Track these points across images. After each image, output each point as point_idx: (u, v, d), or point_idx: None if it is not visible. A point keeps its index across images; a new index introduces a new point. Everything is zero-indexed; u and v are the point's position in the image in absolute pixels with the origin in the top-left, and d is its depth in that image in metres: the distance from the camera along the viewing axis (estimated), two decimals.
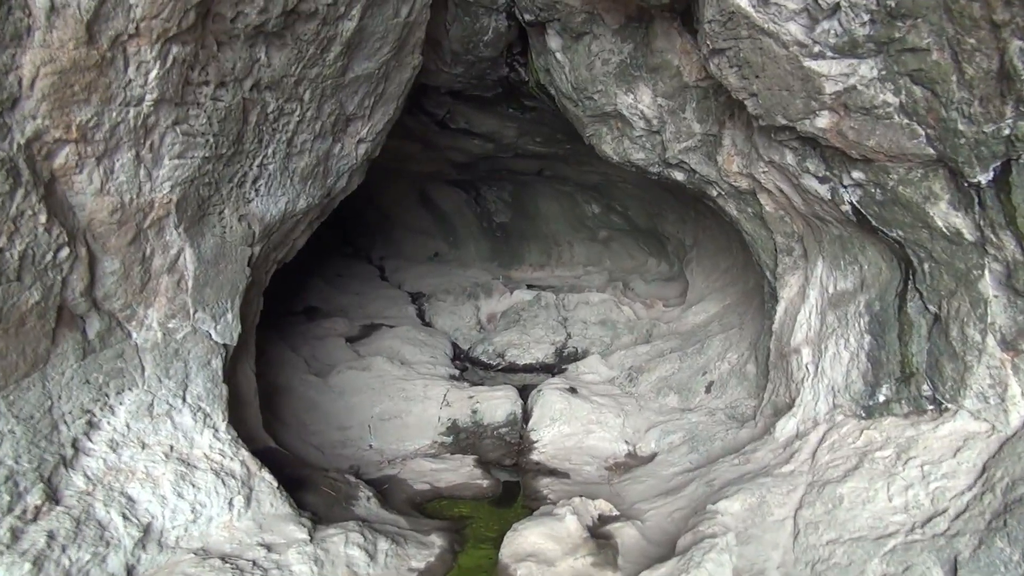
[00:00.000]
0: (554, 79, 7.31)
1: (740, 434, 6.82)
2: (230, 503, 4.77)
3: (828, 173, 5.16)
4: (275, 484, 5.08)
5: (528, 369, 10.31)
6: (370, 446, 7.96)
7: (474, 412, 8.28)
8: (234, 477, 4.86)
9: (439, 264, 16.45)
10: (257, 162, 5.55)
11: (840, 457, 5.19)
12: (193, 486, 4.59)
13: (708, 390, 7.95)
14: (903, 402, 5.13)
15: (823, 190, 5.32)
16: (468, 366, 10.62)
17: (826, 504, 4.82)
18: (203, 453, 4.82)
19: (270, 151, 5.64)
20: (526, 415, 8.26)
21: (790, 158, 5.44)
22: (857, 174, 4.84)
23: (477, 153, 12.08)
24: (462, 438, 8.08)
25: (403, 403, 8.45)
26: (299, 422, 8.03)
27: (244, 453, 5.06)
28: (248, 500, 4.89)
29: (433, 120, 10.69)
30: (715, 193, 7.01)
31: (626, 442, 7.59)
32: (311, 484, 5.91)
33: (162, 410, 4.77)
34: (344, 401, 8.53)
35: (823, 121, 4.66)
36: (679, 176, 7.12)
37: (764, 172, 6.03)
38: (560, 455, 7.48)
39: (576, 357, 10.39)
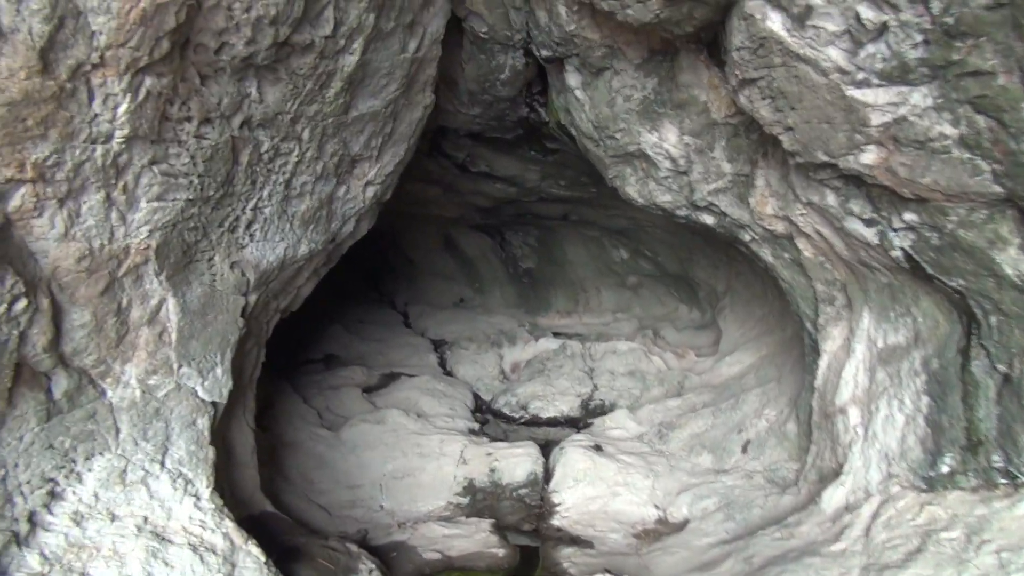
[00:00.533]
0: (574, 118, 6.85)
1: (781, 501, 6.15)
2: None
3: (875, 215, 4.59)
4: (262, 559, 4.53)
5: (552, 423, 9.71)
6: (381, 507, 7.40)
7: (492, 471, 7.69)
8: (215, 552, 4.33)
9: (463, 310, 15.97)
10: (251, 205, 5.12)
11: (899, 536, 4.52)
12: (166, 564, 4.06)
13: (744, 450, 7.29)
14: (970, 474, 4.47)
15: (869, 234, 4.74)
16: (490, 418, 10.05)
17: None
18: (181, 525, 4.31)
19: (265, 193, 5.21)
20: (548, 474, 7.65)
21: (831, 199, 4.88)
22: (910, 216, 4.26)
23: (500, 197, 11.65)
24: (479, 499, 7.48)
25: (418, 460, 7.90)
26: (305, 480, 7.51)
27: (228, 524, 4.53)
28: None
29: (453, 163, 10.31)
30: (748, 238, 6.45)
31: (656, 506, 6.94)
32: (306, 556, 5.37)
33: (136, 477, 4.27)
34: (356, 457, 8.00)
35: (869, 157, 4.11)
36: (708, 220, 6.58)
37: (802, 215, 5.47)
38: (584, 520, 6.85)
39: (603, 410, 9.77)
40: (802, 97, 4.27)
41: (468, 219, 14.08)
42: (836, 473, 5.58)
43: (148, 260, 4.34)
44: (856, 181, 4.52)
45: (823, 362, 6.14)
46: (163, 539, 4.19)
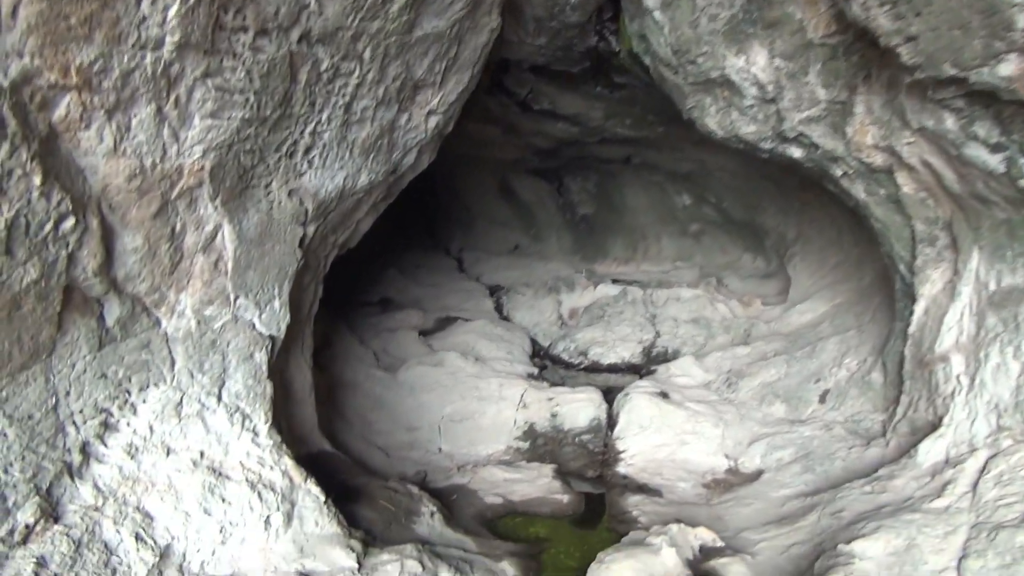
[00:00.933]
0: (650, 44, 6.32)
1: (867, 454, 5.72)
2: (267, 521, 4.03)
3: (1004, 139, 4.05)
4: (322, 498, 4.32)
5: (613, 369, 9.36)
6: (439, 449, 7.18)
7: (553, 416, 7.39)
8: (273, 490, 4.11)
9: (519, 257, 15.62)
10: (309, 129, 4.77)
11: (1014, 494, 4.08)
12: (223, 500, 3.86)
13: (823, 400, 6.84)
14: None
15: (994, 161, 4.21)
16: (548, 364, 9.73)
17: (1002, 556, 3.74)
18: (239, 461, 4.09)
19: (324, 117, 4.85)
20: (611, 421, 7.32)
21: (950, 122, 4.33)
22: None
23: (561, 138, 11.16)
24: (539, 444, 7.21)
25: (476, 403, 7.65)
26: (364, 421, 7.32)
27: (287, 462, 4.30)
28: (289, 517, 4.14)
29: (514, 101, 9.85)
30: (839, 173, 5.91)
31: (726, 456, 6.57)
32: (368, 496, 5.16)
33: (192, 410, 4.05)
34: (414, 399, 7.78)
35: (1010, 67, 3.57)
36: (796, 153, 6.05)
37: (909, 143, 4.93)
38: (650, 468, 6.52)
39: (666, 358, 9.37)
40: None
41: (526, 162, 13.63)
42: (934, 426, 5.12)
43: (203, 183, 4.04)
44: (984, 100, 3.98)
45: (919, 307, 5.64)
46: (220, 475, 3.98)
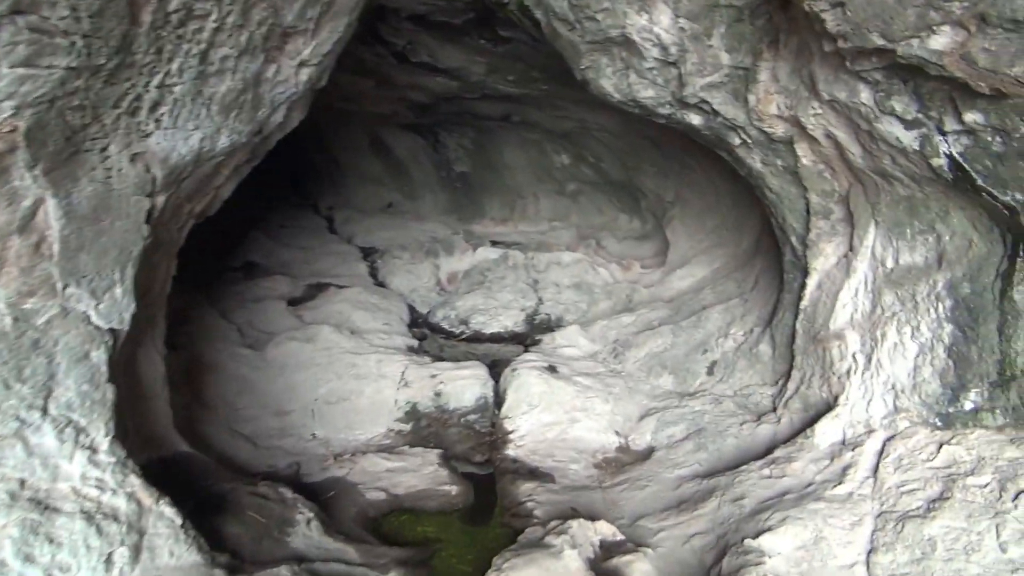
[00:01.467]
0: None
1: (759, 430, 5.61)
2: (108, 560, 3.32)
3: (922, 115, 3.84)
4: (178, 521, 3.65)
5: (496, 339, 8.98)
6: (314, 435, 6.56)
7: (437, 394, 6.92)
8: (116, 519, 3.41)
9: (393, 216, 14.88)
10: (156, 81, 3.94)
11: (915, 480, 3.99)
12: (51, 541, 3.13)
13: (711, 372, 6.73)
14: (998, 412, 3.95)
15: (908, 138, 4.01)
16: (427, 333, 9.21)
17: (912, 550, 3.62)
18: (71, 488, 3.35)
19: (175, 67, 4.03)
20: (499, 398, 6.94)
21: (865, 95, 4.10)
22: (972, 116, 3.52)
23: (439, 92, 10.49)
24: (423, 426, 6.73)
25: (354, 382, 7.05)
26: (228, 407, 6.57)
27: (134, 481, 3.59)
28: (137, 551, 3.46)
29: (391, 52, 9.08)
30: (737, 141, 5.67)
31: (617, 432, 6.35)
32: (234, 506, 4.51)
33: (8, 430, 3.26)
34: (284, 379, 7.09)
35: (942, 41, 3.32)
36: (695, 119, 5.75)
37: (816, 114, 4.70)
38: (541, 450, 6.20)
39: (550, 325, 9.09)
40: None
41: (400, 117, 12.85)
42: (829, 405, 5.04)
43: (16, 148, 3.20)
44: (905, 74, 3.75)
45: (812, 281, 5.53)
46: (47, 508, 3.23)
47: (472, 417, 6.76)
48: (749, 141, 5.52)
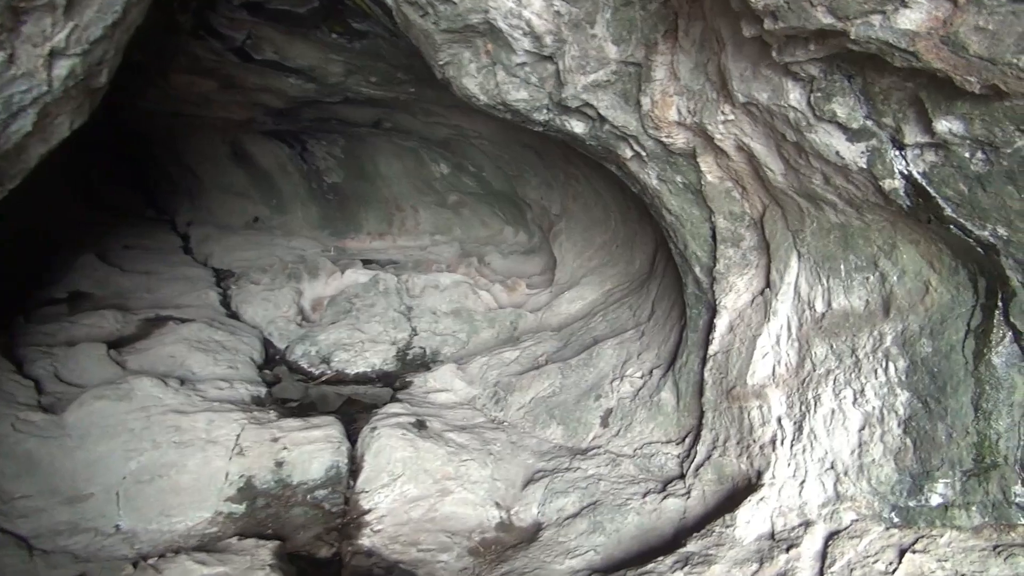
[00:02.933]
0: None
1: (665, 505, 4.52)
2: None
3: (873, 124, 2.81)
4: None
5: (362, 380, 7.60)
6: (117, 528, 5.05)
7: (279, 464, 5.53)
8: None
9: (258, 232, 13.24)
10: None
11: None
12: None
13: (605, 422, 5.64)
14: (974, 509, 2.97)
15: (852, 152, 2.98)
16: (283, 374, 7.74)
17: None
18: None
19: None
20: (355, 466, 5.61)
21: (795, 96, 3.04)
22: (948, 125, 2.50)
23: (295, 96, 9.06)
24: (260, 507, 5.32)
25: (175, 452, 5.56)
26: None
27: None
28: None
29: (229, 48, 7.60)
30: (629, 153, 4.57)
31: (497, 504, 5.16)
32: None
33: None
34: (84, 453, 5.51)
35: (915, 17, 2.27)
36: (578, 127, 4.62)
37: (726, 121, 3.64)
38: (404, 535, 4.91)
39: (424, 362, 7.81)
40: None
41: (259, 124, 11.31)
42: (750, 480, 4.00)
43: None
44: (852, 67, 2.71)
45: (722, 322, 4.49)
46: None
47: (321, 493, 5.39)
48: (643, 153, 4.44)
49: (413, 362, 7.84)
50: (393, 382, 7.39)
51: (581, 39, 4.01)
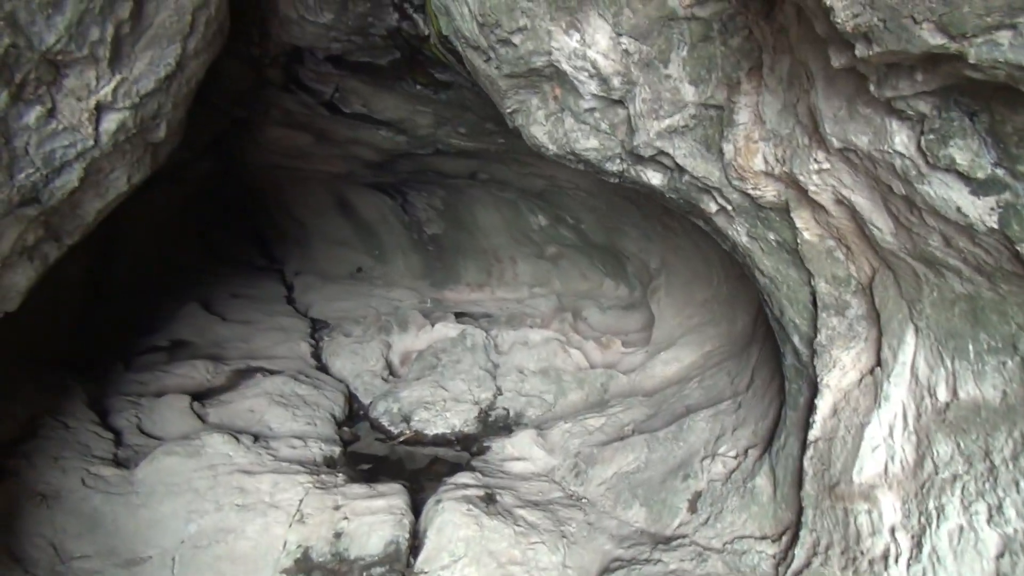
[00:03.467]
0: (454, 18, 4.26)
1: None
2: None
3: (1004, 171, 2.19)
4: None
5: (440, 441, 7.21)
6: None
7: (337, 536, 5.17)
8: None
9: (359, 283, 13.31)
10: None
11: None
12: None
13: (693, 507, 4.98)
14: None
15: (978, 208, 2.34)
16: (363, 432, 7.48)
17: None
18: None
19: None
20: (416, 541, 5.20)
21: (901, 139, 2.45)
22: None
23: (388, 149, 8.99)
24: None
25: (235, 516, 5.34)
26: (55, 555, 4.88)
27: None
28: None
29: (319, 101, 7.60)
30: (713, 208, 4.02)
31: None
32: None
33: None
34: (148, 512, 5.39)
35: None
36: (655, 179, 4.12)
37: (821, 170, 3.05)
38: None
39: (506, 424, 7.36)
40: None
41: (359, 176, 11.39)
42: None
43: None
44: (975, 100, 2.12)
45: (824, 404, 3.81)
46: None
47: (377, 572, 4.99)
48: (729, 207, 3.88)
49: (495, 424, 7.40)
50: (471, 446, 6.97)
51: (653, 80, 3.54)
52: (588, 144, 4.10)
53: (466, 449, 6.97)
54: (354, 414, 8.08)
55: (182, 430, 6.65)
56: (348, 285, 13.14)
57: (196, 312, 10.33)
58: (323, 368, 9.08)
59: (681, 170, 3.83)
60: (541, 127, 4.28)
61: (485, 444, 6.77)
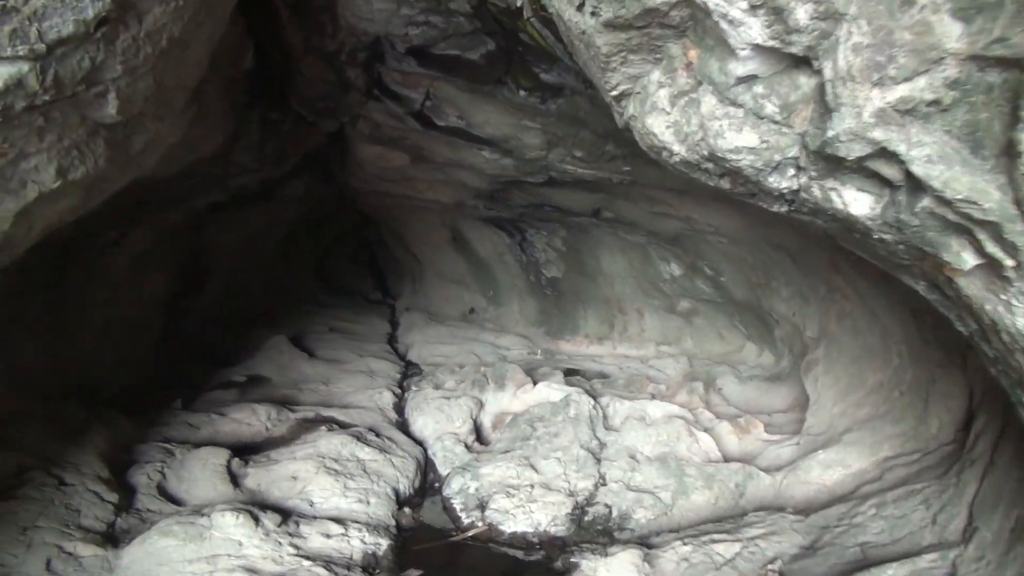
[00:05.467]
0: None
1: None
2: None
3: None
4: None
5: (518, 543, 5.45)
6: None
7: None
8: None
9: (467, 326, 11.90)
10: None
11: None
12: None
13: None
14: None
15: None
16: (419, 521, 5.82)
17: None
18: None
19: None
20: None
21: None
22: None
23: (494, 174, 7.56)
24: None
25: None
26: None
27: None
28: None
29: (409, 111, 6.30)
30: (968, 261, 2.16)
31: None
32: None
33: None
34: None
35: None
36: (858, 203, 2.29)
37: None
38: None
39: (606, 528, 5.53)
40: None
41: (471, 209, 10.06)
42: None
43: None
44: None
45: None
46: None
47: None
48: (1009, 262, 2.02)
49: (591, 526, 5.59)
50: (556, 556, 5.18)
51: (878, 10, 1.80)
52: (740, 141, 2.37)
53: (549, 558, 5.22)
54: (427, 487, 6.54)
55: (207, 495, 5.34)
56: (454, 328, 11.76)
57: (281, 345, 9.22)
58: (403, 424, 7.63)
59: (916, 186, 2.02)
60: (662, 117, 2.59)
61: (573, 559, 4.98)
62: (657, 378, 8.99)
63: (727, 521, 5.30)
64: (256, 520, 4.75)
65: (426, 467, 6.76)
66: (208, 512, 4.72)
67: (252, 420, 6.87)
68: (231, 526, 4.63)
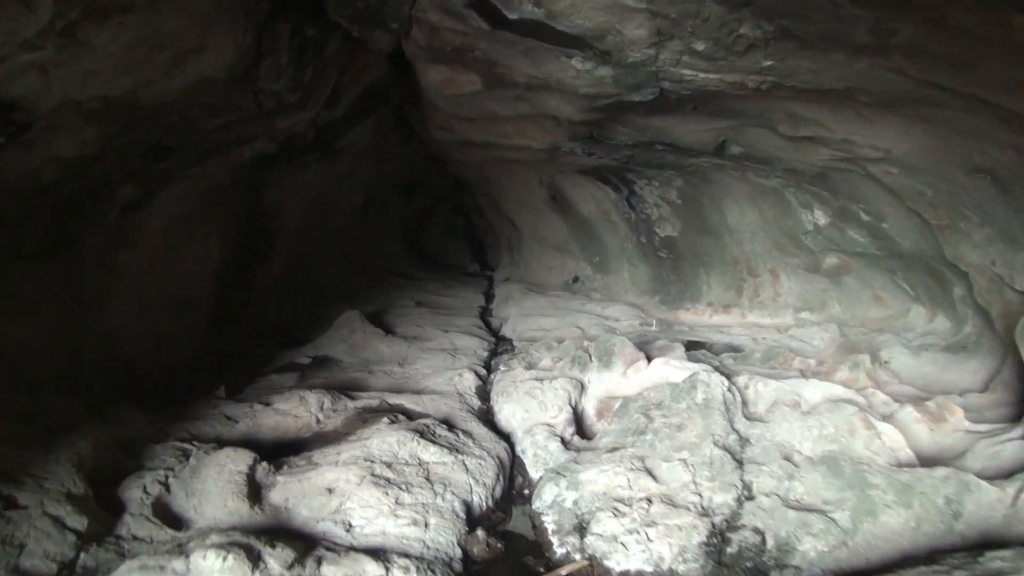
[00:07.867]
0: None
1: None
2: None
3: None
4: None
5: None
6: None
7: None
8: None
9: (571, 296, 10.26)
10: None
11: None
12: None
13: None
14: None
15: None
16: (493, 553, 4.20)
17: None
18: None
19: None
20: None
21: None
22: None
23: (589, 94, 5.83)
24: None
25: None
26: None
27: None
28: None
29: (467, 2, 4.65)
30: None
31: None
32: None
33: None
34: None
35: None
36: None
37: None
38: None
39: (758, 566, 3.79)
40: None
41: (570, 156, 8.38)
42: None
43: None
44: None
45: None
46: None
47: None
48: None
49: (737, 563, 3.83)
50: None
51: None
52: None
53: None
54: (513, 494, 5.01)
55: (216, 515, 3.99)
56: (556, 298, 10.14)
57: (354, 322, 7.88)
58: (486, 413, 6.11)
59: None
60: None
61: None
62: (803, 350, 7.05)
63: (944, 559, 3.41)
64: (256, 560, 3.31)
65: (512, 469, 5.20)
66: (182, 555, 3.30)
67: (300, 411, 5.52)
68: (215, 572, 3.19)
